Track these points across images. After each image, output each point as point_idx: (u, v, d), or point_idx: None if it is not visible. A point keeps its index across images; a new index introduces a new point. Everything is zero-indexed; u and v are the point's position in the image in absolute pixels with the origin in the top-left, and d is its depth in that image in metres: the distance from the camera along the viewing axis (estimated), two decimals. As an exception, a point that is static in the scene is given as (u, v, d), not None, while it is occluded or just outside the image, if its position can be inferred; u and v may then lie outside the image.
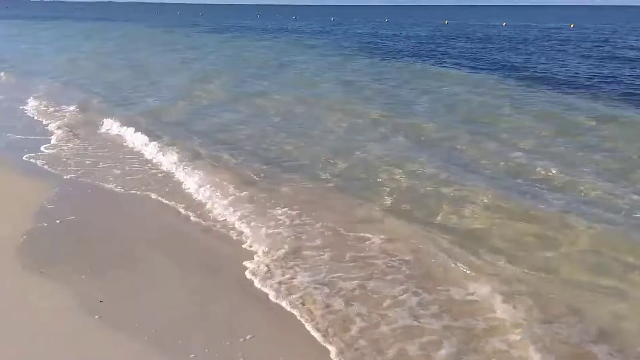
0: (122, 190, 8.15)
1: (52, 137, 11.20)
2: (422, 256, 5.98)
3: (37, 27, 55.99)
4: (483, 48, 34.69)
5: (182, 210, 7.34)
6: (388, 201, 7.76)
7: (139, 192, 8.06)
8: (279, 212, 7.15)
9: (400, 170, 8.97)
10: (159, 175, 8.90)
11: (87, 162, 9.46)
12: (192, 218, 7.12)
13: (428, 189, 8.16)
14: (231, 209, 7.23)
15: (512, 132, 11.74)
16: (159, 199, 7.80)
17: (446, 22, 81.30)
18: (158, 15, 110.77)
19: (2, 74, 20.20)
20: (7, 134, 11.46)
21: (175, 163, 9.20)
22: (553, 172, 8.78)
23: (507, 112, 14.00)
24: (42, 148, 10.28)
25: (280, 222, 6.85)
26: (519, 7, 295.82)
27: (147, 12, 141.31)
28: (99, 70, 22.30)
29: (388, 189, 8.19)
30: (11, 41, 38.24)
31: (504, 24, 73.66)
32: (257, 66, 24.07)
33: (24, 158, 9.61)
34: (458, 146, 10.58)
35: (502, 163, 9.44)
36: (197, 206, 7.49)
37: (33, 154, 9.83)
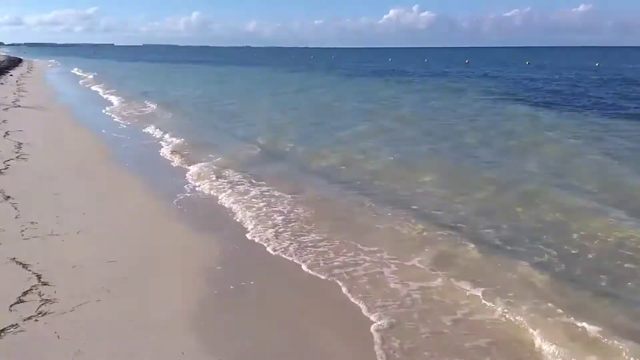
0: (288, 255, 7.34)
1: (201, 183, 10.81)
2: None
3: (179, 70, 61.26)
4: (631, 94, 30.17)
5: (341, 286, 6.42)
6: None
7: (300, 256, 7.25)
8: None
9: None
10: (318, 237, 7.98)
11: (246, 214, 8.88)
12: (359, 303, 6.02)
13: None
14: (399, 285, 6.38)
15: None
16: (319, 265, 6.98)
17: (598, 64, 74.19)
18: (290, 58, 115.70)
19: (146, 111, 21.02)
20: (152, 176, 11.42)
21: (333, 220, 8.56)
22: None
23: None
24: (192, 195, 10.03)
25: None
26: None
27: (281, 55, 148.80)
28: (235, 112, 23.17)
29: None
30: (150, 82, 41.60)
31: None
32: (363, 110, 23.55)
33: (175, 203, 9.38)
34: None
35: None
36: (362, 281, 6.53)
37: (183, 199, 9.64)
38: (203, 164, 12.31)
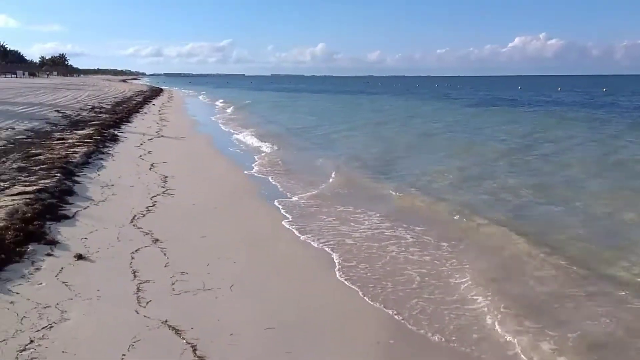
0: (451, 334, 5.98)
1: (337, 225, 9.87)
2: None
3: (302, 98, 65.21)
4: None
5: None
6: None
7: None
8: None
9: None
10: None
11: (398, 269, 7.72)
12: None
13: None
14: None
15: None
16: None
17: None
18: (416, 89, 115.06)
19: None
20: (293, 213, 10.61)
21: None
22: None
23: None
24: (339, 240, 8.89)
25: None
26: None
27: (402, 84, 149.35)
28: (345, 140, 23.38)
29: None
30: (276, 111, 43.06)
31: None
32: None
33: (327, 251, 8.43)
34: None
35: None
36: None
37: (334, 246, 8.63)
38: (329, 195, 12.00)
